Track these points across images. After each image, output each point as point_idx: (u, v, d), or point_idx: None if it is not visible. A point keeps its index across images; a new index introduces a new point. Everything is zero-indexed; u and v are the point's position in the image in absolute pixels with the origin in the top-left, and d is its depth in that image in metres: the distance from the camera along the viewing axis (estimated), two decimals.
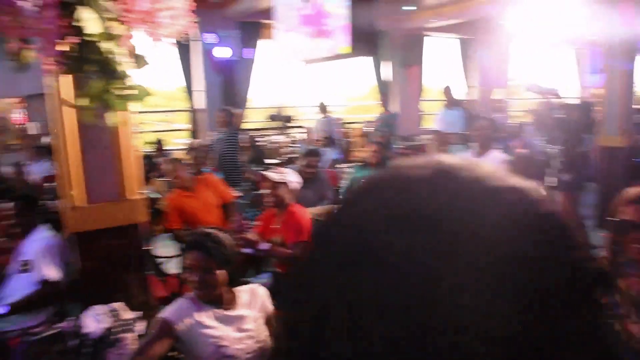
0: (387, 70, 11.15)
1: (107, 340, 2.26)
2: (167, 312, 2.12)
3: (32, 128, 8.95)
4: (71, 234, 3.20)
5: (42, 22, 2.31)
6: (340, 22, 7.28)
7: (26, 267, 3.19)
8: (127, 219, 3.16)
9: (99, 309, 2.33)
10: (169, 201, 4.40)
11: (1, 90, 8.88)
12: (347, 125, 11.30)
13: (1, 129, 9.08)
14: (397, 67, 10.91)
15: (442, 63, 21.72)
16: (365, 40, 9.90)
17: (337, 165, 7.39)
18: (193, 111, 10.59)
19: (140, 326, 2.36)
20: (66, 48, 2.40)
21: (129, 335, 2.30)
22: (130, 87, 2.58)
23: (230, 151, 6.70)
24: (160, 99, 19.10)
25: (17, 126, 9.22)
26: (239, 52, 9.80)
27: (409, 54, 10.89)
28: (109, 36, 2.47)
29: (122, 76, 2.53)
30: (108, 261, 3.15)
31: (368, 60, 11.52)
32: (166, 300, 3.60)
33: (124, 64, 2.55)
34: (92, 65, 2.46)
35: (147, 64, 2.58)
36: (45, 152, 6.86)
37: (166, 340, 2.04)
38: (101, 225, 3.13)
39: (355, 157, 7.66)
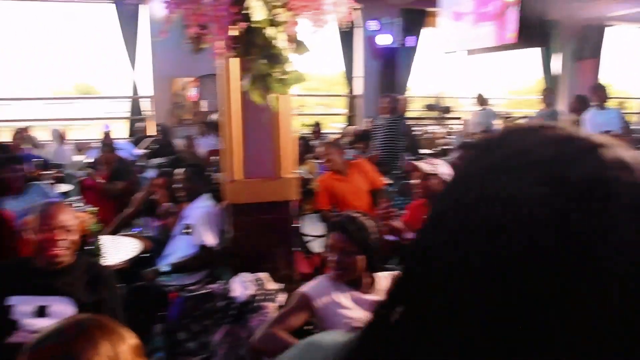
0: (556, 64, 10.41)
1: (251, 306, 2.43)
2: (307, 287, 2.23)
3: (204, 105, 9.77)
4: (228, 205, 3.48)
5: (216, 9, 2.51)
6: (509, 10, 6.94)
7: (188, 230, 3.52)
8: (279, 196, 3.35)
9: (246, 277, 2.52)
10: (320, 183, 4.55)
11: (179, 71, 9.79)
12: (507, 120, 10.78)
13: (177, 105, 10.01)
14: (568, 60, 10.14)
15: (625, 56, 19.68)
16: (535, 30, 9.32)
17: None
18: (351, 97, 10.81)
19: (282, 297, 2.51)
20: (235, 33, 2.59)
21: (270, 304, 2.46)
22: (289, 72, 2.71)
23: (390, 138, 6.72)
24: (320, 83, 19.71)
25: (190, 103, 10.11)
26: (400, 39, 9.77)
27: (585, 46, 10.06)
28: (273, 22, 2.62)
29: (283, 61, 2.67)
30: (258, 233, 3.37)
31: (535, 52, 10.85)
32: (309, 277, 3.77)
33: (286, 50, 2.69)
34: (257, 50, 2.63)
35: (307, 50, 2.70)
36: (213, 127, 7.44)
37: (303, 314, 2.15)
38: (255, 199, 3.35)
39: None
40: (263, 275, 2.57)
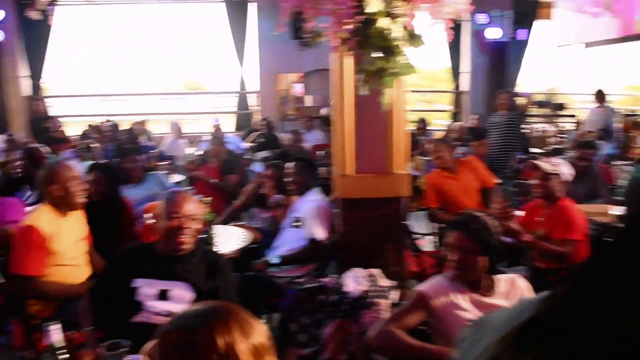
0: None
1: (364, 301, 2.40)
2: (424, 287, 2.17)
3: (308, 100, 9.90)
4: (338, 199, 3.48)
5: (336, 2, 2.50)
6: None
7: (298, 223, 3.56)
8: (390, 192, 3.30)
9: (359, 272, 2.49)
10: (429, 180, 4.45)
11: (285, 66, 10.00)
12: (628, 118, 10.02)
13: (283, 100, 10.23)
14: None
15: None
16: None
17: (613, 162, 6.62)
18: (457, 93, 10.52)
19: (394, 295, 2.46)
20: (352, 27, 2.56)
21: (383, 301, 2.42)
22: (400, 65, 2.65)
23: (507, 136, 6.45)
24: (421, 79, 19.37)
25: (295, 98, 10.29)
26: (510, 33, 9.35)
27: None
28: (389, 15, 2.56)
29: (398, 54, 2.62)
30: (368, 229, 3.34)
31: None
32: (417, 276, 3.70)
33: (401, 42, 2.63)
34: (372, 43, 2.59)
35: (423, 43, 2.62)
36: (322, 122, 7.49)
37: (420, 313, 2.09)
38: (366, 195, 3.33)
39: (635, 154, 6.76)
40: (376, 271, 2.54)
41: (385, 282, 2.51)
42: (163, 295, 2.34)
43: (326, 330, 2.48)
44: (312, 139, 7.98)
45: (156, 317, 2.27)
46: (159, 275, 2.35)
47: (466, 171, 4.43)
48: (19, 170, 4.61)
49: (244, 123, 10.35)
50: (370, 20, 2.50)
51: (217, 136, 6.18)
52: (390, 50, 2.54)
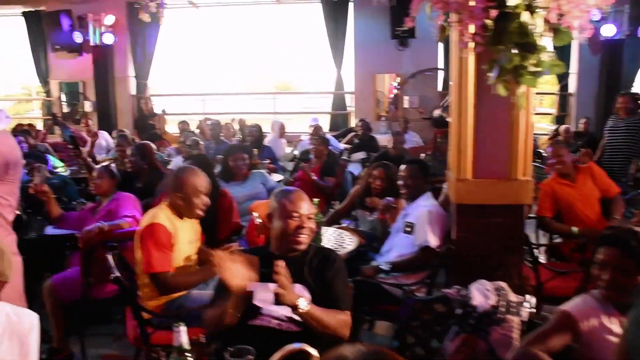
0: None
1: (493, 317, 2.23)
2: (570, 306, 1.97)
3: (405, 101, 9.71)
4: (453, 205, 3.30)
5: None
6: None
7: (409, 229, 3.42)
8: (512, 199, 3.09)
9: (486, 284, 2.32)
10: (544, 187, 4.16)
11: (383, 67, 9.86)
12: None
13: (378, 101, 10.11)
14: None
15: None
16: None
17: None
18: (562, 95, 9.94)
19: (526, 311, 2.27)
20: (486, 21, 2.39)
21: (514, 318, 2.23)
22: (545, 62, 2.44)
23: (626, 142, 5.96)
24: None
25: (390, 99, 10.13)
26: (627, 30, 8.68)
27: None
28: (530, 8, 2.37)
29: (538, 50, 2.41)
30: (485, 238, 3.15)
31: None
32: (535, 290, 3.45)
33: (542, 38, 2.43)
34: (509, 38, 2.40)
35: (571, 39, 2.40)
36: (437, 123, 7.21)
37: (565, 335, 1.90)
38: (484, 201, 3.13)
39: None
40: (504, 284, 2.35)
41: (514, 296, 2.32)
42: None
43: (448, 345, 2.33)
44: (409, 141, 7.79)
45: (275, 322, 2.21)
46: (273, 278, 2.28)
47: (586, 178, 4.10)
48: (130, 166, 4.77)
49: (338, 124, 10.31)
50: (507, 14, 2.32)
51: (321, 135, 6.13)
52: (529, 46, 2.35)
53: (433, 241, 3.29)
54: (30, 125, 9.00)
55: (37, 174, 3.71)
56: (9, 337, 1.78)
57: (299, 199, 2.31)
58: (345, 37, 10.07)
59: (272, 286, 2.16)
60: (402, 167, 3.60)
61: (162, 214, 2.92)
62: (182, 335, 1.78)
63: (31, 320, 1.86)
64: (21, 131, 7.30)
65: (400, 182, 3.58)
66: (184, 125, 8.37)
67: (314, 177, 5.28)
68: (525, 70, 2.42)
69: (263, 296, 2.22)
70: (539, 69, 2.45)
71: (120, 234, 3.35)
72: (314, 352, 1.66)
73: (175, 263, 2.90)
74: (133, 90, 10.88)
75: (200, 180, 2.97)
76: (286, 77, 26.95)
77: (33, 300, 3.86)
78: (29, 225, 4.11)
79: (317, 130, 7.03)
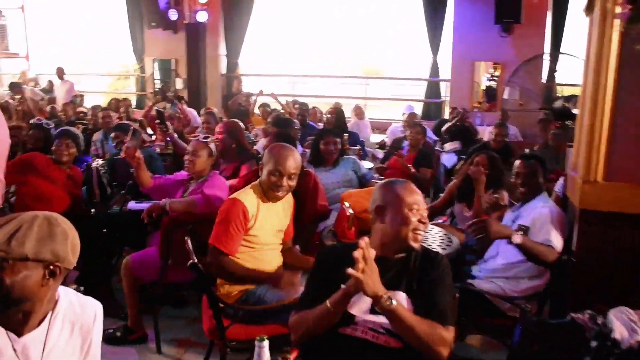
0: None
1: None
2: None
3: (506, 92, 9.07)
4: (574, 209, 2.85)
5: None
6: None
7: (522, 233, 2.97)
8: None
9: (631, 314, 1.89)
10: None
11: (483, 54, 9.25)
12: None
13: (474, 90, 9.52)
14: None
15: None
16: None
17: None
18: None
19: None
20: None
21: None
22: None
23: None
24: None
25: (485, 88, 9.53)
26: None
27: None
28: None
29: None
30: (616, 252, 2.69)
31: None
32: None
33: None
34: None
35: None
36: (559, 114, 6.62)
37: None
38: (616, 208, 2.67)
39: None
40: None
41: None
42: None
43: None
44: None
45: (370, 333, 1.89)
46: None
47: None
48: (217, 144, 4.59)
49: (430, 113, 9.82)
50: None
51: (418, 124, 5.70)
52: None
53: (557, 243, 2.80)
54: (124, 99, 9.15)
55: (131, 138, 3.56)
56: (71, 327, 1.61)
57: (415, 190, 1.98)
58: (444, 21, 9.52)
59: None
60: (517, 162, 3.14)
61: (248, 193, 2.72)
62: (264, 353, 1.49)
63: (95, 309, 1.68)
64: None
65: (515, 180, 3.12)
66: (264, 108, 8.19)
67: (412, 169, 4.90)
68: None
69: (358, 302, 1.90)
70: None
71: (190, 215, 3.17)
72: None
73: (251, 246, 2.71)
74: (223, 69, 10.87)
75: (287, 159, 2.70)
76: (375, 61, 26.49)
77: (112, 275, 3.83)
78: (112, 199, 4.03)
79: (412, 117, 6.60)
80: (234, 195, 2.76)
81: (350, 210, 3.18)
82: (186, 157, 3.47)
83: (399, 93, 15.83)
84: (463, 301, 2.64)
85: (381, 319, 1.86)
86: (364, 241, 1.71)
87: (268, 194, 2.72)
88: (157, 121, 4.48)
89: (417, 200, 1.93)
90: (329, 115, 6.98)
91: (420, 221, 1.91)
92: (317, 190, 3.48)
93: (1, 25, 14.45)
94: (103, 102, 10.41)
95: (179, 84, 10.75)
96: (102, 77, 18.48)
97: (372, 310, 1.89)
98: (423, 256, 2.00)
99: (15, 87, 10.12)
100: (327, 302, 1.82)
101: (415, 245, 1.91)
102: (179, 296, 3.83)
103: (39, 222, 1.42)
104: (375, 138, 8.05)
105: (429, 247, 2.94)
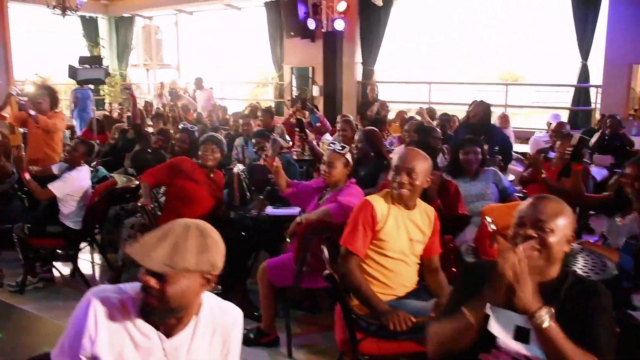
0: None
1: None
2: None
3: None
4: None
5: None
6: None
7: None
8: None
9: None
10: None
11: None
12: None
13: (632, 96, 8.65)
14: None
15: None
16: None
17: None
18: None
19: None
20: None
21: None
22: None
23: None
24: None
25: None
26: None
27: None
28: None
29: None
30: None
31: None
32: None
33: None
34: None
35: None
36: None
37: None
38: None
39: None
40: None
41: None
42: (522, 335, 1.74)
43: None
44: None
45: None
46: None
47: None
48: (356, 152, 4.57)
49: (577, 121, 9.08)
50: None
51: (569, 135, 5.24)
52: None
53: None
54: (265, 106, 9.49)
55: (270, 146, 3.66)
56: (212, 331, 1.66)
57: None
58: (597, 23, 8.78)
59: (517, 317, 1.68)
60: None
61: (379, 197, 2.71)
62: None
63: (235, 315, 1.72)
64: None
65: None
66: (402, 115, 8.06)
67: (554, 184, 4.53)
68: None
69: (502, 324, 1.74)
70: None
71: (326, 224, 3.16)
72: None
73: (380, 252, 2.66)
74: (359, 76, 10.94)
75: (406, 155, 2.66)
76: (512, 67, 25.26)
77: (248, 276, 3.94)
78: (249, 203, 4.16)
79: (561, 127, 6.10)
80: (365, 197, 2.75)
81: (493, 226, 2.98)
82: (322, 168, 3.48)
83: (540, 100, 14.93)
84: (623, 336, 2.35)
85: (524, 350, 1.69)
86: (520, 249, 1.59)
87: (394, 195, 2.66)
88: (297, 129, 4.57)
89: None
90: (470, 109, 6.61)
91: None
92: (458, 197, 3.35)
93: (158, 40, 15.82)
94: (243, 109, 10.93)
95: (315, 91, 10.99)
96: (243, 85, 19.48)
97: (516, 337, 1.73)
98: (576, 283, 1.79)
99: (173, 95, 10.98)
100: (464, 309, 1.70)
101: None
102: (312, 302, 3.85)
103: (193, 234, 1.48)
104: (515, 148, 7.57)
105: (579, 270, 2.68)
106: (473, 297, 1.75)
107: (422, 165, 2.65)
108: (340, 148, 3.46)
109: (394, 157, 2.77)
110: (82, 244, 4.62)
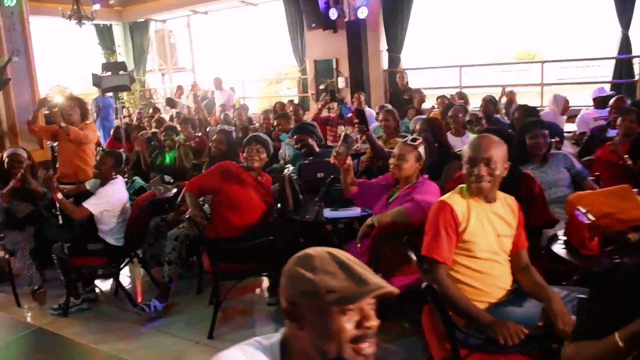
0: None
1: None
2: None
3: None
4: None
5: None
6: None
7: None
8: None
9: None
10: None
11: None
12: None
13: None
14: None
15: None
16: None
17: None
18: None
19: None
20: None
21: None
22: None
23: None
24: None
25: None
26: None
27: None
28: None
29: None
30: None
31: None
32: None
33: None
34: None
35: None
36: None
37: None
38: None
39: None
40: None
41: None
42: None
43: None
44: None
45: None
46: None
47: None
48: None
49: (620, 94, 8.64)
50: None
51: (632, 110, 4.82)
52: None
53: None
54: (290, 102, 9.22)
55: (343, 144, 3.36)
56: None
57: None
58: None
59: None
60: None
61: (455, 194, 2.42)
62: None
63: None
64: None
65: None
66: (442, 99, 7.69)
67: (629, 161, 4.15)
68: None
69: None
70: None
71: (399, 225, 2.85)
72: None
73: (469, 255, 2.36)
74: (385, 64, 10.60)
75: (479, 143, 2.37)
76: (528, 45, 24.78)
77: None
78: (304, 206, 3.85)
79: (622, 102, 5.64)
80: (440, 198, 2.46)
81: (591, 216, 2.66)
82: (391, 161, 3.16)
83: (566, 76, 14.42)
84: None
85: None
86: None
87: (472, 190, 2.36)
88: (356, 121, 4.23)
89: None
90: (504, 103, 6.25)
91: None
92: (543, 195, 3.01)
93: (172, 44, 15.63)
94: (258, 107, 10.63)
95: (340, 83, 10.65)
96: (260, 82, 19.22)
97: None
98: None
99: (197, 98, 10.78)
100: (616, 335, 1.41)
101: None
102: (381, 309, 3.55)
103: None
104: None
105: None
106: (619, 310, 1.46)
107: (499, 152, 2.36)
108: (412, 140, 3.16)
109: (466, 148, 2.46)
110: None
